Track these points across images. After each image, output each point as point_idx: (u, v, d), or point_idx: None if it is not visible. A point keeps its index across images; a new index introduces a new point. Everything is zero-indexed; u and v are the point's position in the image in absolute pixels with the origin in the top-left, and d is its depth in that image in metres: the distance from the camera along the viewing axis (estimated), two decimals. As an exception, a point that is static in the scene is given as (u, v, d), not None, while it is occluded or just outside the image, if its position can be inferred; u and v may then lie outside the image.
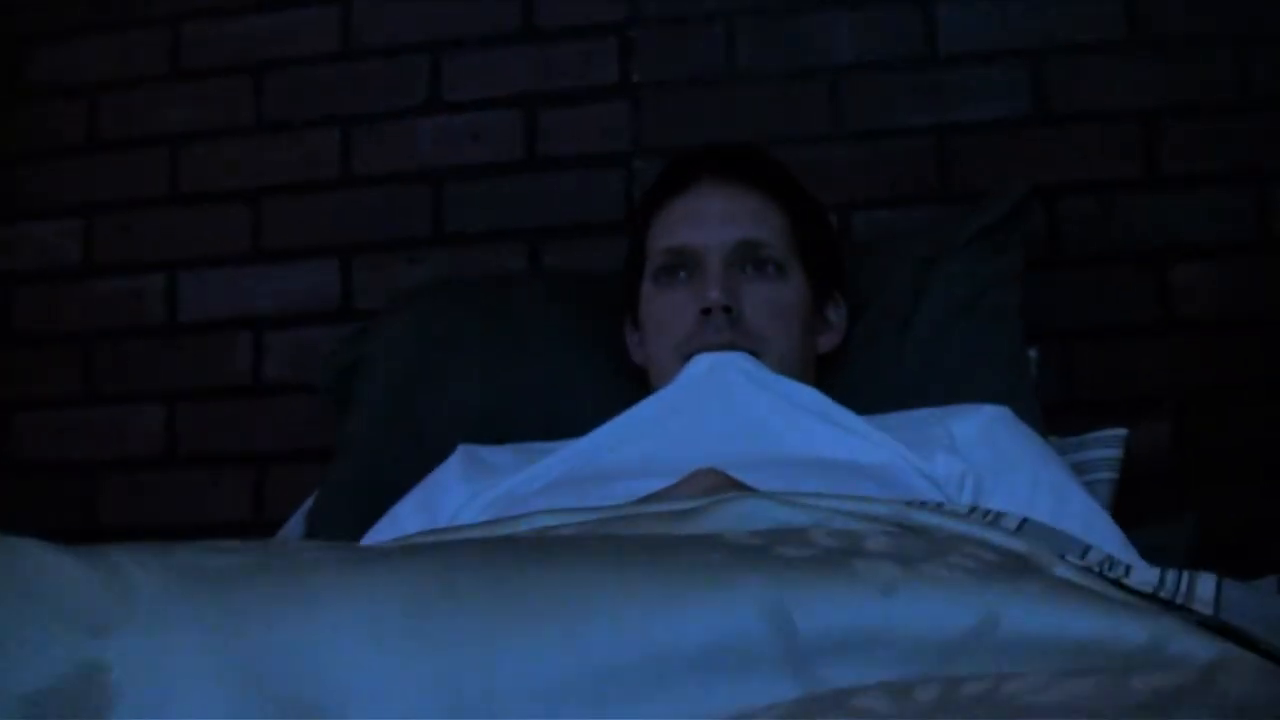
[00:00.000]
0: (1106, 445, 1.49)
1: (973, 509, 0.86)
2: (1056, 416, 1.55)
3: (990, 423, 1.24)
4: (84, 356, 1.93)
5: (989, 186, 1.61)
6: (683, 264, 1.37)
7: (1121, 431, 1.46)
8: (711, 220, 1.36)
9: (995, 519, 0.80)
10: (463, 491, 1.27)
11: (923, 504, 0.79)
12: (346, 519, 1.41)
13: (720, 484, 0.89)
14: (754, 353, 1.32)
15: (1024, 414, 1.35)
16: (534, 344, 1.55)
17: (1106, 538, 1.10)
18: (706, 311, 1.32)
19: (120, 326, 1.93)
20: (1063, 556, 0.69)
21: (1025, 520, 0.81)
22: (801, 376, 1.35)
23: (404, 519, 1.28)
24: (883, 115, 1.76)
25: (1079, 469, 1.48)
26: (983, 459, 1.19)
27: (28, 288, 1.97)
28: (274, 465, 1.85)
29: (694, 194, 1.39)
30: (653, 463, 1.21)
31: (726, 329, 1.31)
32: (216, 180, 1.93)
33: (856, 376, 1.47)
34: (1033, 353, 1.56)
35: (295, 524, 1.52)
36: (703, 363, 1.30)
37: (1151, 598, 0.67)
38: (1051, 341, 1.64)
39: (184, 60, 1.96)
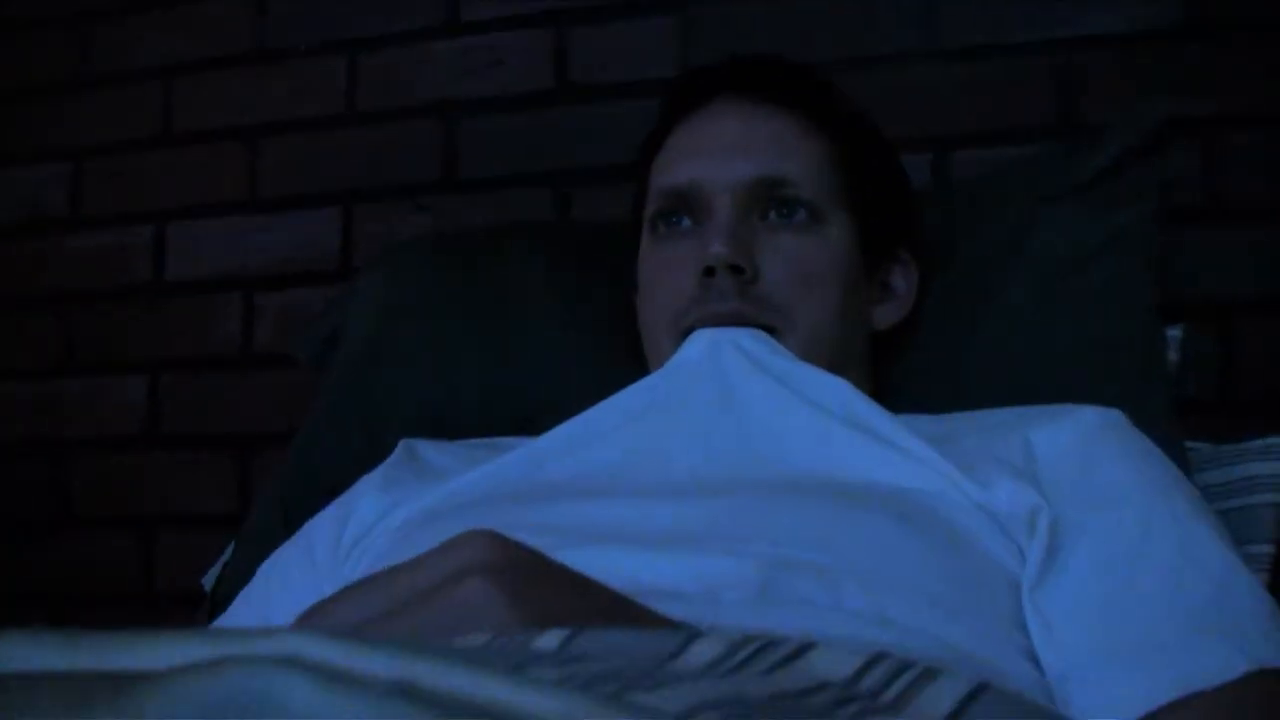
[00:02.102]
0: (1273, 456, 1.11)
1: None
2: (1208, 417, 1.18)
3: (1090, 433, 0.87)
4: (63, 321, 1.70)
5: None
6: (685, 208, 1.04)
7: (1293, 440, 1.07)
8: (722, 150, 1.02)
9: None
10: (378, 504, 0.97)
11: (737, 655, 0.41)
12: (279, 535, 1.12)
13: (477, 565, 0.52)
14: (770, 328, 0.98)
15: (1153, 416, 0.99)
16: (519, 315, 1.23)
17: (1245, 612, 0.74)
18: (709, 272, 0.98)
19: (104, 288, 1.69)
20: None
21: (976, 691, 0.40)
22: (842, 361, 1.01)
23: (316, 540, 0.99)
24: (990, 26, 1.39)
25: (1233, 488, 1.11)
26: (1070, 486, 0.83)
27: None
28: (261, 448, 1.59)
29: (704, 117, 1.06)
30: (613, 475, 0.90)
31: (734, 296, 0.98)
32: (210, 118, 1.67)
33: (925, 363, 1.12)
34: (1174, 332, 1.18)
35: (212, 576, 1.25)
36: (700, 341, 0.97)
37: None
38: (1203, 318, 1.26)
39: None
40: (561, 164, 1.51)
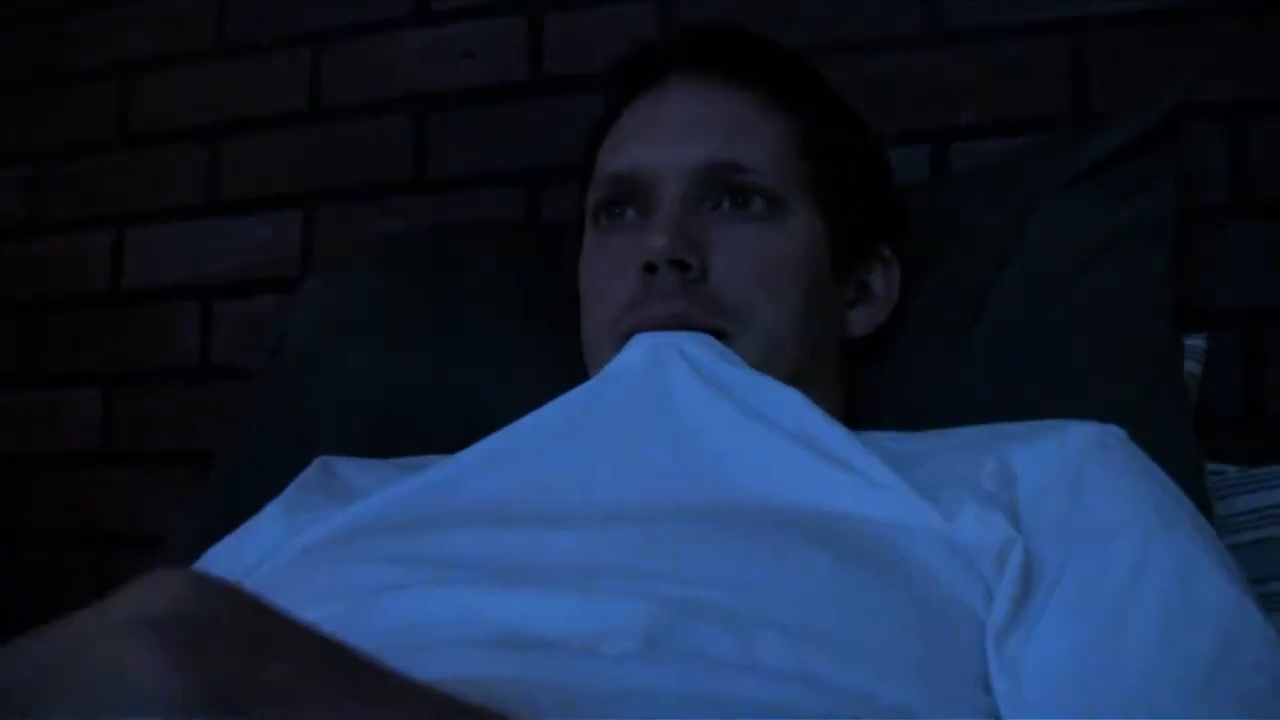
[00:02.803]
0: (1309, 481, 0.98)
1: None
2: (1234, 436, 1.05)
3: (1081, 453, 0.75)
4: (18, 331, 1.61)
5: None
6: (629, 198, 0.92)
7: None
8: (670, 132, 0.91)
9: None
10: (277, 530, 0.87)
11: None
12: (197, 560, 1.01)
13: (147, 617, 0.38)
14: (721, 333, 0.86)
15: (1166, 434, 0.87)
16: (469, 317, 1.12)
17: (1257, 672, 0.61)
18: (650, 269, 0.87)
19: (61, 296, 1.60)
20: None
21: None
22: (806, 371, 0.89)
23: (238, 561, 0.88)
24: (994, 5, 1.26)
25: (1262, 517, 0.99)
26: (1054, 517, 0.71)
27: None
28: (218, 467, 1.48)
29: (653, 96, 0.94)
30: (526, 499, 0.78)
31: (679, 295, 0.86)
32: (170, 118, 1.58)
33: (908, 374, 0.99)
34: (1194, 341, 1.05)
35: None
36: (638, 347, 0.85)
37: None
38: (1228, 325, 1.12)
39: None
40: (536, 161, 1.40)
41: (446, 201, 1.43)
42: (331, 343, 1.13)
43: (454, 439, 1.02)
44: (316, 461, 0.95)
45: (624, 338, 0.87)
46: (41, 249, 1.62)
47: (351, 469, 0.95)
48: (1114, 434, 0.77)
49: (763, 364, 0.85)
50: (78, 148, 1.61)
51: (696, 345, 0.84)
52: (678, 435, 0.80)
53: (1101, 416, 0.79)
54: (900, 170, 1.08)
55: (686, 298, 0.86)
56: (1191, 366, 1.03)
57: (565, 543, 0.69)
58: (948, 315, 0.99)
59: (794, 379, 0.85)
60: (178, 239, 1.55)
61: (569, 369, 0.97)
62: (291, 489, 0.91)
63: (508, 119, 1.43)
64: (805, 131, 0.93)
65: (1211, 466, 0.97)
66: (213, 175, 1.54)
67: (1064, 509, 0.71)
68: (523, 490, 0.79)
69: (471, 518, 0.77)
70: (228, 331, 1.51)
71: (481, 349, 1.10)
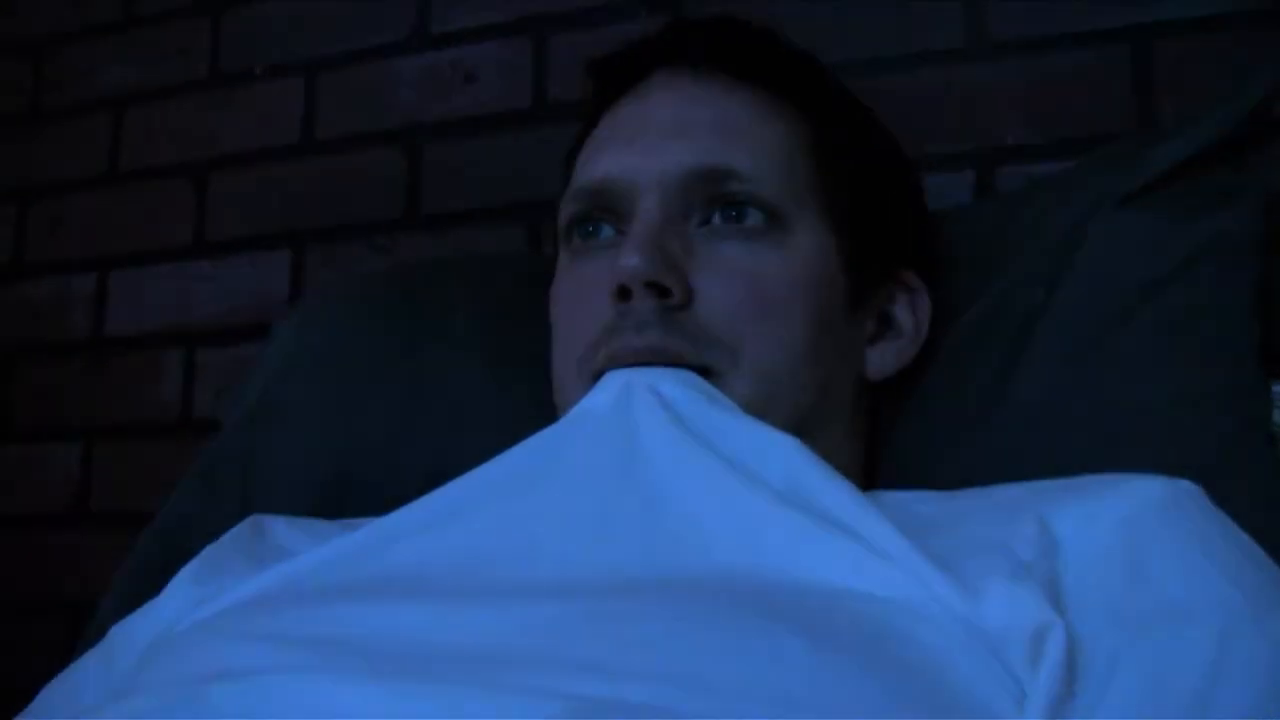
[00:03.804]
0: None
1: None
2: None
3: (1144, 514, 0.59)
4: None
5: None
6: (605, 213, 0.79)
7: None
8: (651, 135, 0.77)
9: None
10: (185, 599, 0.74)
11: None
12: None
13: None
14: (706, 370, 0.72)
15: (1251, 496, 0.71)
16: (436, 357, 0.99)
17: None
18: (624, 294, 0.73)
19: (42, 343, 1.50)
20: None
21: None
22: (814, 417, 0.75)
23: (118, 648, 0.77)
24: (1046, 13, 1.12)
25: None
26: (1108, 593, 0.55)
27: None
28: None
29: (636, 99, 0.81)
30: (459, 568, 0.65)
31: (654, 325, 0.72)
32: (160, 153, 1.48)
33: (938, 423, 0.84)
34: (1283, 387, 0.88)
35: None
36: (609, 387, 0.71)
37: None
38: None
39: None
40: (537, 194, 1.27)
41: (443, 239, 1.31)
42: (286, 391, 1.01)
43: (419, 477, 0.88)
44: (246, 521, 0.82)
45: (595, 376, 0.74)
46: (25, 293, 1.52)
47: (286, 530, 0.82)
48: (1187, 491, 0.61)
49: (757, 409, 0.71)
50: (65, 187, 1.52)
51: (676, 384, 0.70)
52: (644, 493, 0.65)
53: (1172, 472, 0.63)
54: (941, 198, 0.94)
55: (665, 328, 0.72)
56: (1279, 416, 0.86)
57: (477, 622, 0.55)
58: (986, 354, 0.84)
59: (797, 428, 0.70)
60: (162, 283, 1.44)
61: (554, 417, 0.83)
62: (206, 554, 0.78)
63: (509, 149, 1.30)
64: (813, 135, 0.79)
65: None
66: (200, 213, 1.44)
67: (1120, 585, 0.56)
68: (454, 556, 0.65)
69: (383, 587, 0.63)
70: (212, 381, 1.40)
71: (453, 397, 0.96)
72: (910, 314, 0.83)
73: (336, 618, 0.59)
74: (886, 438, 0.83)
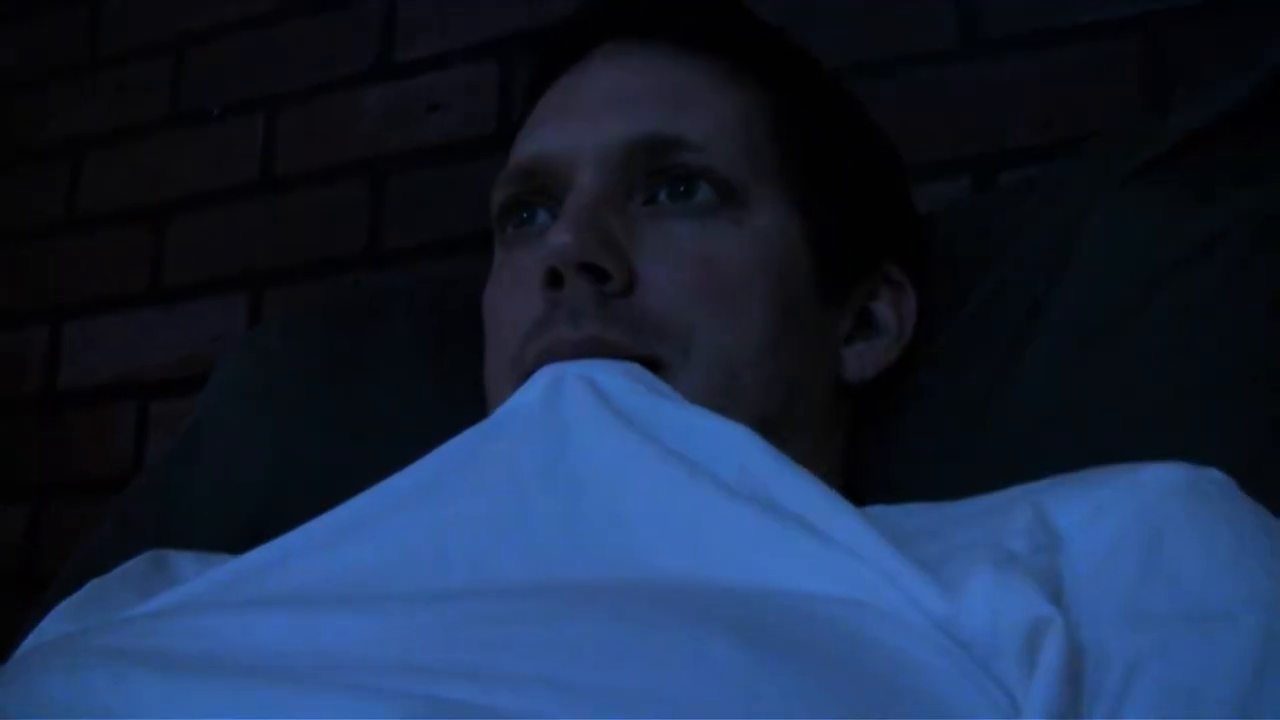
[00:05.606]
0: None
1: None
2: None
3: (1160, 501, 0.49)
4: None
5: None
6: (539, 195, 0.70)
7: None
8: (590, 108, 0.69)
9: None
10: (59, 633, 0.64)
11: None
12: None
13: None
14: (651, 361, 0.62)
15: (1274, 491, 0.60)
16: (379, 382, 0.90)
17: None
18: (555, 279, 0.63)
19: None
20: None
21: None
22: (778, 419, 0.65)
23: None
24: (1046, 4, 1.03)
25: None
26: (1117, 592, 0.46)
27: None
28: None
29: (577, 73, 0.72)
30: (360, 581, 0.55)
31: (591, 314, 0.63)
32: (118, 197, 1.40)
33: (931, 429, 0.74)
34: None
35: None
36: (539, 382, 0.62)
37: None
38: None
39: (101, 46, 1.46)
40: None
41: (409, 271, 1.22)
42: (211, 425, 0.92)
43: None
44: (144, 555, 0.73)
45: (527, 376, 0.64)
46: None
47: (192, 565, 0.73)
48: (1212, 479, 0.51)
49: (711, 405, 0.61)
50: (21, 233, 1.45)
51: (611, 374, 0.60)
52: (569, 490, 0.56)
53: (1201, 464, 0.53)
54: (942, 202, 0.85)
55: (603, 317, 0.63)
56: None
57: (339, 627, 0.46)
58: (987, 350, 0.74)
59: (760, 431, 0.60)
60: (116, 331, 1.36)
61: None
62: (90, 587, 0.68)
63: (474, 177, 1.22)
64: (777, 107, 0.70)
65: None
66: (157, 257, 1.36)
67: (1137, 583, 0.46)
68: (353, 570, 0.55)
69: (267, 601, 0.54)
70: (166, 432, 1.31)
71: (390, 416, 0.87)
72: (893, 311, 0.73)
73: (188, 629, 0.49)
74: (870, 445, 0.73)
